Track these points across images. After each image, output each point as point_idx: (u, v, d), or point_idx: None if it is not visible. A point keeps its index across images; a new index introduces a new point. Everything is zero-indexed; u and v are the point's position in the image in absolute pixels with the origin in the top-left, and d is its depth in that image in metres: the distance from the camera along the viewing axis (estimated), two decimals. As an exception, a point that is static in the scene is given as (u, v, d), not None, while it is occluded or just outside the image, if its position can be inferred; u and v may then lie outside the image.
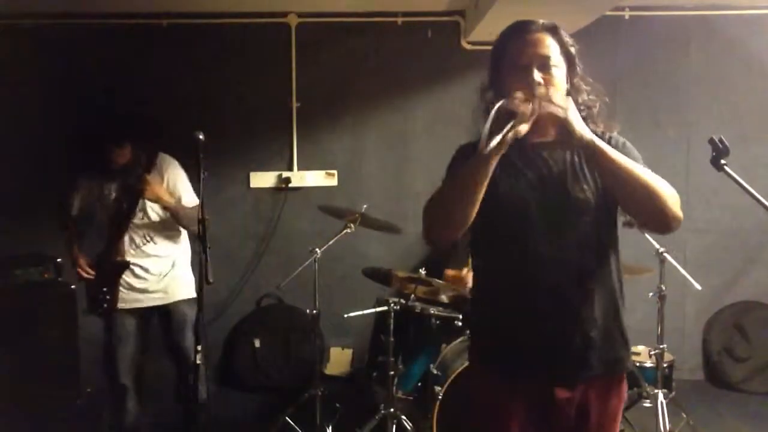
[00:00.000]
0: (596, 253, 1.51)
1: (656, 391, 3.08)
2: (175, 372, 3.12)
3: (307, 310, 3.26)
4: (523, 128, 1.31)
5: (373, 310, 3.11)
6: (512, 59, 1.50)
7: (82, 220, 3.16)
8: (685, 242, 4.08)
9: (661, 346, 3.11)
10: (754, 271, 4.18)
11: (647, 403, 3.19)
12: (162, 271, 3.03)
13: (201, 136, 2.38)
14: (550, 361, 1.48)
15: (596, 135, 1.40)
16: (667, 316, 3.17)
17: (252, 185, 4.17)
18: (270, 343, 4.07)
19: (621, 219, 1.59)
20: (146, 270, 3.02)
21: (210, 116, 3.88)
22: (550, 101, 1.34)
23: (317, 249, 3.19)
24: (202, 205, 2.33)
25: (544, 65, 1.46)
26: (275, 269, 4.03)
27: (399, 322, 2.98)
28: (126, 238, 2.98)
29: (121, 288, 2.98)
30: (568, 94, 1.47)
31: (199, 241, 2.29)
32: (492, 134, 1.30)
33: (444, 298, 3.31)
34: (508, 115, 1.31)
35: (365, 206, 3.24)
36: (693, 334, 4.21)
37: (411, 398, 3.05)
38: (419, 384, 3.08)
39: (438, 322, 3.12)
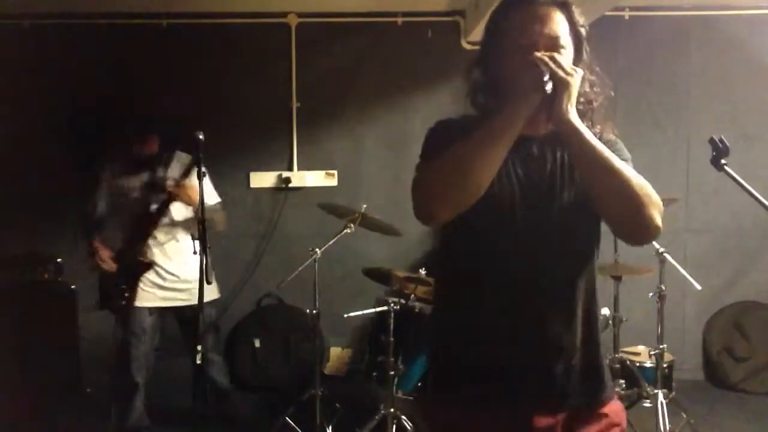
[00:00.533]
0: (581, 268, 1.36)
1: (656, 391, 3.08)
2: (193, 371, 3.16)
3: (307, 310, 3.26)
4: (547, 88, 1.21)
5: (373, 310, 3.11)
6: (514, 35, 1.31)
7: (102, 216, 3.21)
8: (685, 242, 4.08)
9: (661, 346, 3.11)
10: (753, 271, 4.18)
11: (647, 403, 3.19)
12: (185, 271, 3.09)
13: (201, 136, 2.39)
14: (529, 388, 1.32)
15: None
16: (667, 316, 3.17)
17: (252, 185, 4.17)
18: (270, 343, 4.07)
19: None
20: (168, 270, 3.07)
21: (210, 116, 3.88)
22: (561, 67, 1.22)
23: (317, 249, 3.19)
24: (202, 205, 2.33)
25: (552, 47, 1.27)
26: (275, 269, 4.03)
27: (399, 322, 2.98)
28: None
29: (141, 286, 3.00)
30: None
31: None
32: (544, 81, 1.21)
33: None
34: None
35: (364, 206, 3.24)
36: (693, 334, 4.21)
37: (411, 398, 3.05)
38: (419, 384, 3.08)
39: (438, 322, 3.11)
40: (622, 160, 1.28)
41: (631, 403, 3.23)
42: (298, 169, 4.17)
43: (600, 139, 1.30)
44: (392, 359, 2.93)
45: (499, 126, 1.23)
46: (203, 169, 2.38)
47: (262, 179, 4.15)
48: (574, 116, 1.24)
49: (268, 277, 4.06)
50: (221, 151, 3.93)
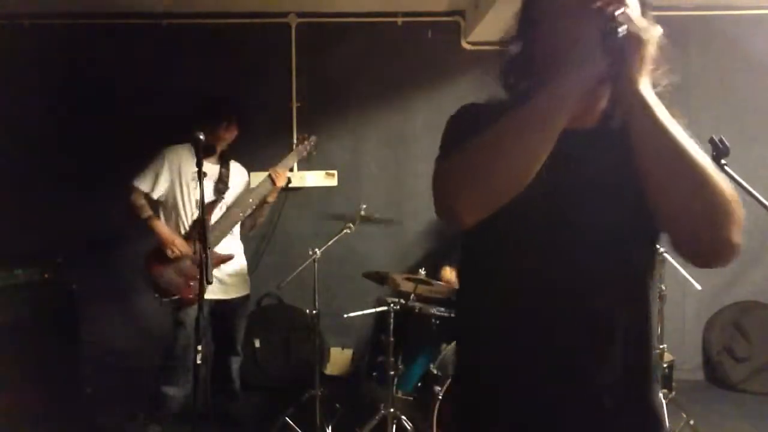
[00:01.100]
0: (627, 298, 1.08)
1: (656, 391, 3.07)
2: (220, 360, 3.39)
3: (307, 310, 3.26)
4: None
5: (373, 310, 3.11)
6: None
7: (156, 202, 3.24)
8: (685, 242, 4.07)
9: (661, 346, 3.11)
10: (754, 271, 4.18)
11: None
12: (235, 266, 3.29)
13: (201, 136, 2.39)
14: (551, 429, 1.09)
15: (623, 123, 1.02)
16: (667, 316, 3.17)
17: (252, 185, 4.16)
18: (270, 343, 4.07)
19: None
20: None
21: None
22: (634, 20, 0.95)
23: (317, 249, 3.19)
24: (202, 205, 2.33)
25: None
26: (275, 269, 4.03)
27: (399, 322, 2.98)
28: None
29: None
30: None
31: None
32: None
33: (442, 298, 3.31)
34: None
35: (364, 206, 3.25)
36: (693, 334, 4.21)
37: (411, 398, 3.05)
38: (419, 384, 3.08)
39: (438, 322, 3.12)
40: None
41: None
42: (298, 170, 4.17)
43: None
44: (392, 359, 2.93)
45: (544, 105, 0.97)
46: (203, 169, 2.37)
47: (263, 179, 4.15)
48: (647, 87, 0.97)
49: (268, 277, 4.06)
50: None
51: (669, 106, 1.05)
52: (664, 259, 3.09)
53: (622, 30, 0.92)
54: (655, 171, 0.97)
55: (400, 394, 3.00)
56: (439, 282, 3.31)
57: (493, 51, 4.14)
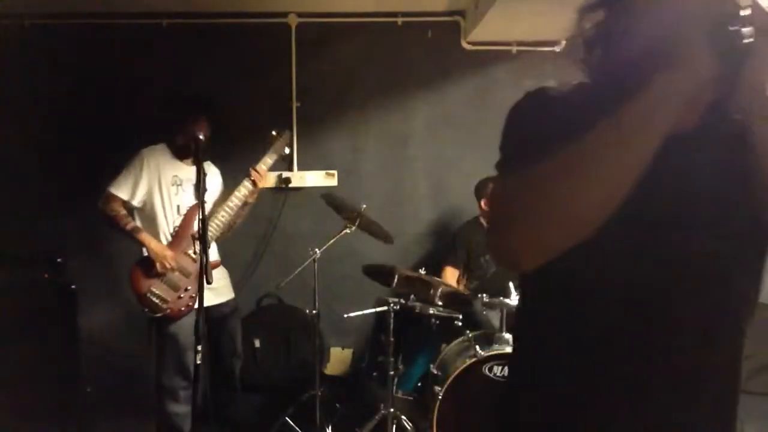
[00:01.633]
0: (722, 340, 0.92)
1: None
2: (216, 365, 3.28)
3: (307, 310, 3.26)
4: None
5: (373, 310, 3.11)
6: None
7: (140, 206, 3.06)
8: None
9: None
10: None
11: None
12: (219, 270, 3.17)
13: (201, 136, 2.39)
14: None
15: (736, 124, 0.81)
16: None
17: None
18: (270, 343, 4.07)
19: None
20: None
21: (209, 116, 3.88)
22: None
23: (317, 249, 3.19)
24: (202, 205, 2.33)
25: None
26: (275, 269, 4.03)
27: (399, 322, 2.98)
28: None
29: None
30: None
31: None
32: None
33: (442, 298, 3.31)
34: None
35: (364, 206, 3.25)
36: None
37: (411, 398, 3.06)
38: (419, 384, 3.08)
39: (438, 322, 3.12)
40: None
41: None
42: (298, 169, 4.17)
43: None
44: (392, 359, 2.93)
45: (646, 109, 0.73)
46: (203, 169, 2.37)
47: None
48: None
49: (268, 277, 4.06)
50: (221, 151, 3.93)
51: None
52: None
53: (748, 32, 0.70)
54: None
55: (400, 394, 3.01)
56: (438, 279, 3.31)
57: (493, 51, 4.15)
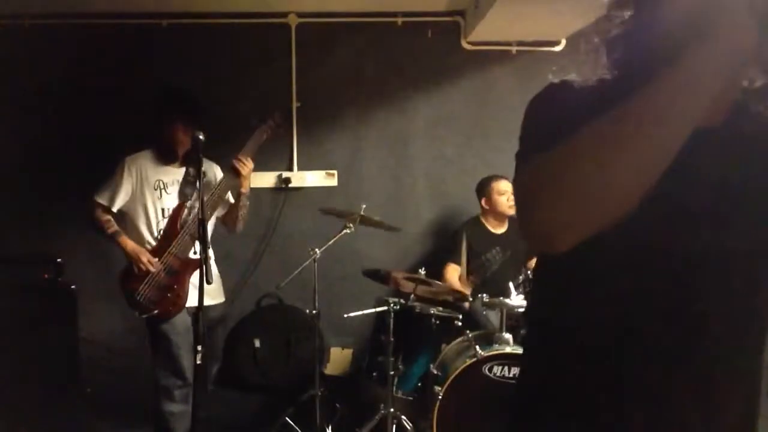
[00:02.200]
0: (742, 343, 0.89)
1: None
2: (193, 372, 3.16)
3: (307, 310, 3.26)
4: None
5: (373, 310, 3.11)
6: None
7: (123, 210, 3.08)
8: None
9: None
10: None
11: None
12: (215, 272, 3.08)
13: (201, 136, 2.39)
14: None
15: (762, 120, 0.82)
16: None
17: (252, 185, 4.16)
18: (270, 343, 4.07)
19: None
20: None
21: (210, 116, 3.88)
22: None
23: (317, 249, 3.19)
24: (202, 205, 2.33)
25: None
26: (275, 269, 4.03)
27: (399, 322, 2.98)
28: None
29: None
30: None
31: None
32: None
33: (443, 298, 3.31)
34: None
35: (363, 206, 3.25)
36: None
37: (411, 398, 3.06)
38: (419, 384, 3.08)
39: (438, 322, 3.12)
40: None
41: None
42: (298, 169, 4.17)
43: None
44: (392, 359, 2.93)
45: (676, 88, 0.70)
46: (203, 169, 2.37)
47: (262, 179, 4.15)
48: None
49: (268, 277, 4.06)
50: (221, 151, 3.93)
51: None
52: None
53: None
54: None
55: (400, 394, 3.01)
56: (438, 282, 3.31)
57: (493, 51, 4.15)
